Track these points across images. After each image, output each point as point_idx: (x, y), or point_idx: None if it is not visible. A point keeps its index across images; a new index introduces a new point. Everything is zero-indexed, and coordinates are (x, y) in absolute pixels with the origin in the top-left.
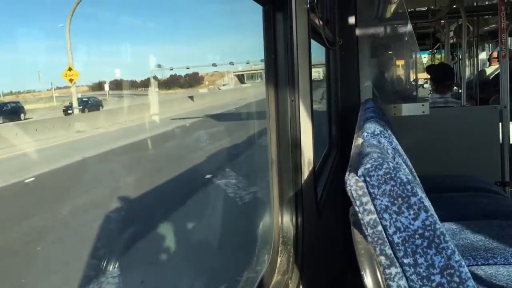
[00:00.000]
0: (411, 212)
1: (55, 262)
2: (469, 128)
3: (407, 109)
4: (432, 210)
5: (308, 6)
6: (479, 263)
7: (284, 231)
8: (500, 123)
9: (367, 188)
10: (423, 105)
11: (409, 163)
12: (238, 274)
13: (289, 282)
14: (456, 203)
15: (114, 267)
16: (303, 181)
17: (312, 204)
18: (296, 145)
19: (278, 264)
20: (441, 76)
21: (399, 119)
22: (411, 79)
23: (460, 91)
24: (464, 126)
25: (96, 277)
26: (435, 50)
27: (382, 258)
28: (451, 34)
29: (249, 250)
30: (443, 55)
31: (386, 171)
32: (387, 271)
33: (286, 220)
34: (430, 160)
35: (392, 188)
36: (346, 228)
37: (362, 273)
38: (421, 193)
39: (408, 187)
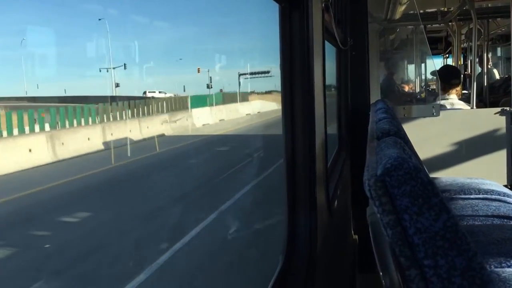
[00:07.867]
0: (432, 213)
1: None
2: (478, 130)
3: (418, 111)
4: (452, 211)
5: (323, 5)
6: (492, 266)
7: (297, 230)
8: (510, 126)
9: (387, 188)
10: (433, 107)
11: (422, 164)
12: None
13: (303, 282)
14: (467, 206)
15: None
16: (316, 181)
17: (324, 204)
18: (310, 145)
19: (292, 264)
20: (447, 74)
21: (407, 120)
22: (422, 81)
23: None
24: (472, 128)
25: None
26: (447, 55)
27: (402, 259)
28: (463, 37)
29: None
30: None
31: (406, 171)
32: (407, 272)
33: (299, 220)
34: (437, 162)
35: (413, 189)
36: (356, 229)
37: (381, 273)
38: (441, 194)
39: (429, 187)
